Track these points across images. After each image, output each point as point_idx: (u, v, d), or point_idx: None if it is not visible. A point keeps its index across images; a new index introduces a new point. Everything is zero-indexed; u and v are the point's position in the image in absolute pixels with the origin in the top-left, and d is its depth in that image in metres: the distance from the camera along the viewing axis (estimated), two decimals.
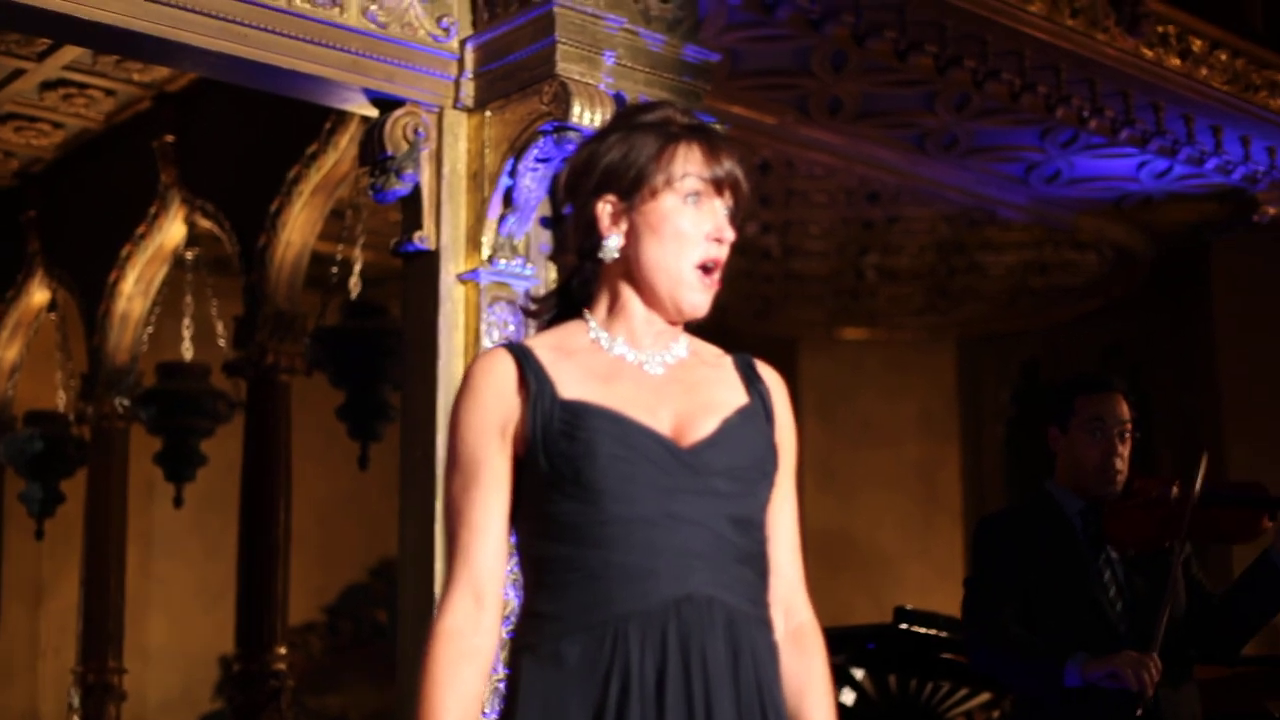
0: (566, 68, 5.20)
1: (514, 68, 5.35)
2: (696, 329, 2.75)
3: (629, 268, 2.66)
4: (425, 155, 5.42)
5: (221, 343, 8.50)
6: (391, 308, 7.49)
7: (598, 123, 5.03)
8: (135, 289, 8.52)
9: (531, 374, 2.58)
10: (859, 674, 6.65)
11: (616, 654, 2.46)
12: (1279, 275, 9.97)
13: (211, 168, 8.13)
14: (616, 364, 2.64)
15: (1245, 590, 4.55)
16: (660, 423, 2.57)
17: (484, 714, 4.48)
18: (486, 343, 5.20)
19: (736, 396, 2.68)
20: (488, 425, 2.59)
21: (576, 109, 5.10)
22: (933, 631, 6.43)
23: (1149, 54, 7.83)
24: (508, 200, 5.34)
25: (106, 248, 8.54)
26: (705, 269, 2.65)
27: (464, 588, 2.56)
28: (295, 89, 5.52)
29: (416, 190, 5.42)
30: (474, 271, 5.33)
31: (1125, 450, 4.61)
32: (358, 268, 7.90)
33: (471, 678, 2.53)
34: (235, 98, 7.30)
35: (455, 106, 5.48)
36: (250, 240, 7.75)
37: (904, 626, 6.43)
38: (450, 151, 5.45)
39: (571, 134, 5.10)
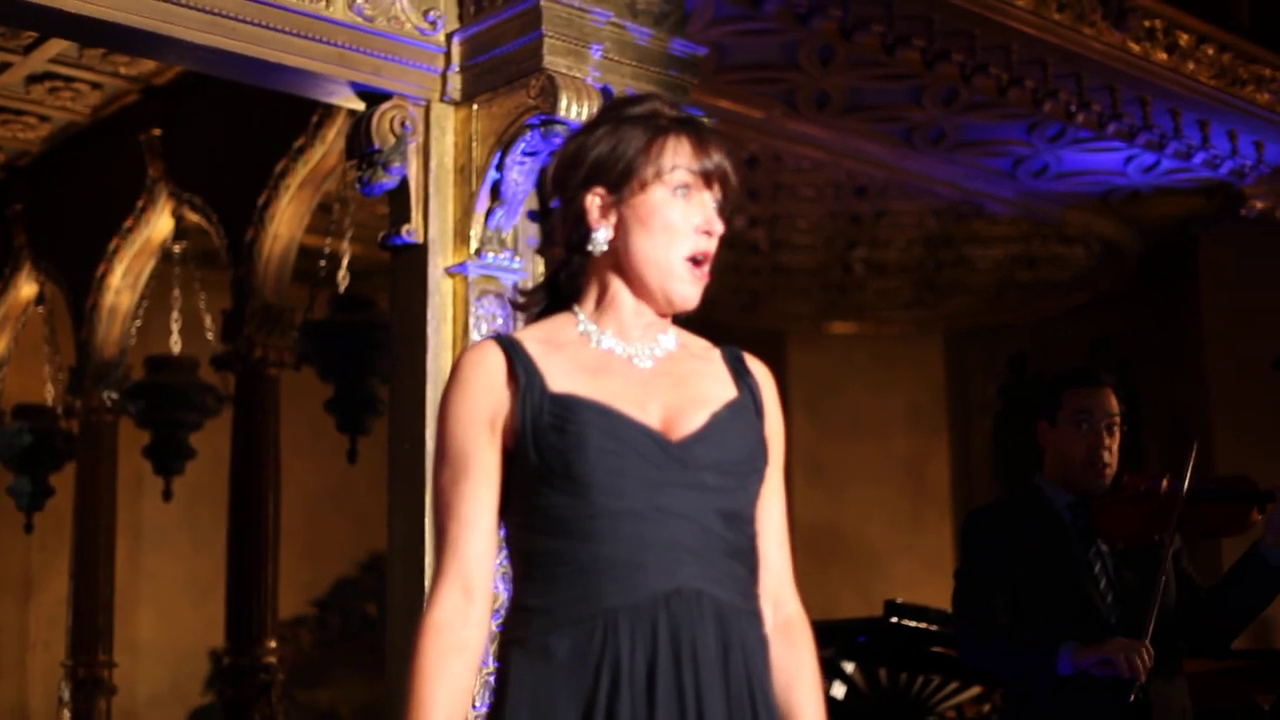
0: (553, 61, 5.19)
1: (501, 61, 5.34)
2: (684, 322, 2.75)
3: (617, 260, 2.66)
4: (412, 149, 5.41)
5: (210, 336, 8.49)
6: (379, 301, 7.48)
7: (585, 116, 5.02)
8: (123, 282, 8.51)
9: (521, 367, 2.58)
10: (849, 667, 6.67)
11: (607, 648, 2.46)
12: (1266, 269, 9.98)
13: (199, 161, 8.12)
14: (605, 357, 2.64)
15: (1234, 584, 4.56)
16: (649, 416, 2.57)
17: (474, 707, 4.49)
18: (475, 336, 5.20)
19: (725, 390, 2.68)
20: (477, 418, 2.59)
21: (564, 103, 5.09)
22: (922, 625, 6.44)
23: (1136, 48, 7.83)
24: (495, 194, 5.34)
25: (94, 241, 8.53)
26: (695, 261, 2.65)
27: (453, 581, 2.56)
28: (282, 82, 5.51)
29: (404, 184, 5.42)
30: (462, 265, 5.32)
31: (1113, 444, 4.62)
32: (345, 261, 7.89)
33: (460, 671, 2.53)
34: (222, 91, 7.30)
35: (442, 100, 5.47)
36: (238, 234, 7.74)
37: (894, 620, 6.45)
38: (437, 145, 5.45)
39: (559, 127, 5.09)
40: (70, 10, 4.83)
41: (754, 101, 8.09)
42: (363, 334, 7.64)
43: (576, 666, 2.47)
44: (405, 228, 5.38)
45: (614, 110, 2.74)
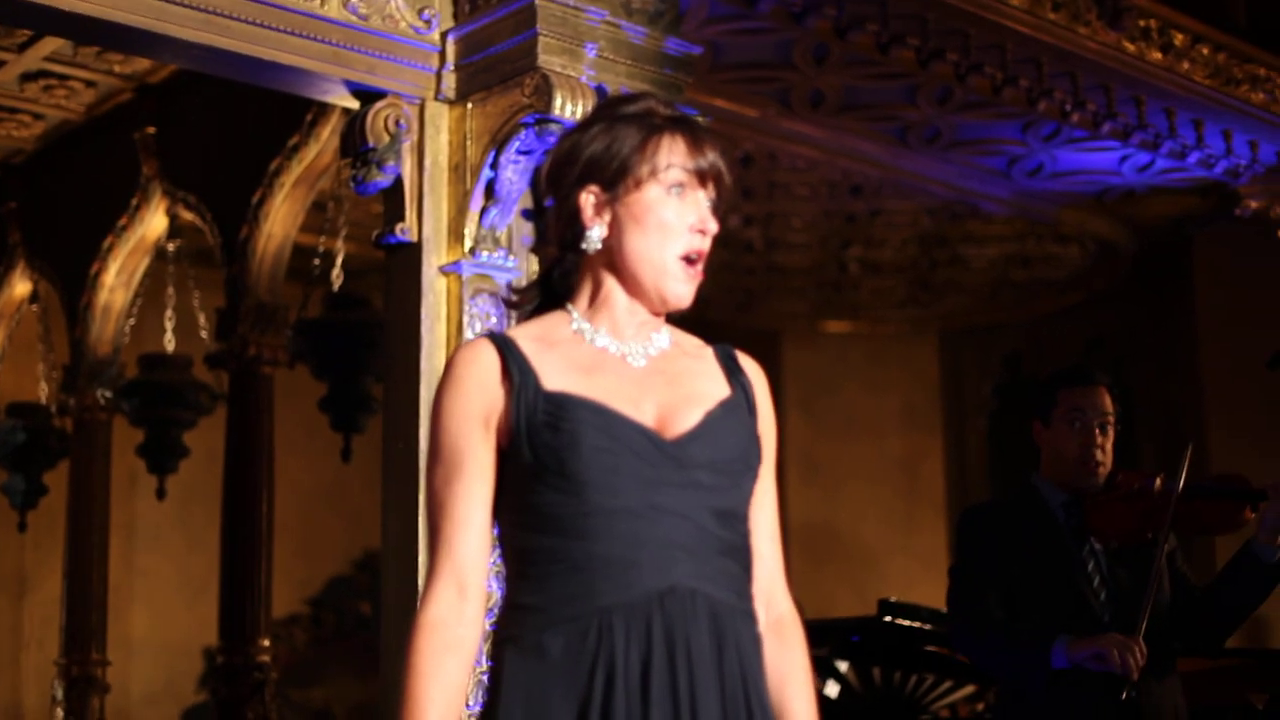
0: (548, 60, 5.19)
1: (495, 60, 5.35)
2: (678, 320, 2.75)
3: (611, 259, 2.66)
4: (407, 147, 5.42)
5: (203, 334, 8.48)
6: (373, 300, 7.49)
7: (579, 115, 5.02)
8: (117, 281, 8.50)
9: (515, 365, 2.58)
10: (843, 666, 6.66)
11: (601, 646, 2.46)
12: (1261, 269, 9.97)
13: (193, 159, 8.11)
14: (599, 355, 2.64)
15: (1228, 582, 4.56)
16: (644, 415, 2.58)
17: (468, 706, 4.49)
18: (469, 334, 5.20)
19: (719, 388, 2.68)
20: (470, 416, 2.59)
21: (558, 101, 5.09)
22: (916, 624, 6.44)
23: (1131, 48, 7.83)
24: (489, 192, 5.34)
25: (88, 239, 8.52)
26: (689, 260, 2.65)
27: (447, 579, 2.56)
28: (276, 81, 5.51)
29: (398, 182, 5.42)
30: (456, 263, 5.33)
31: (1106, 442, 4.63)
32: (340, 260, 7.89)
33: (455, 669, 2.52)
34: (216, 89, 7.29)
35: (437, 98, 5.48)
36: (232, 232, 7.73)
37: (888, 619, 6.44)
38: (432, 143, 5.45)
39: (553, 126, 5.09)
40: (65, 8, 4.83)
41: (749, 100, 8.09)
42: (357, 332, 7.64)
43: (571, 665, 2.47)
44: (400, 226, 5.39)
45: (608, 109, 2.74)
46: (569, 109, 5.09)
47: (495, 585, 4.08)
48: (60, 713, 8.46)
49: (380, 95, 5.41)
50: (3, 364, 9.51)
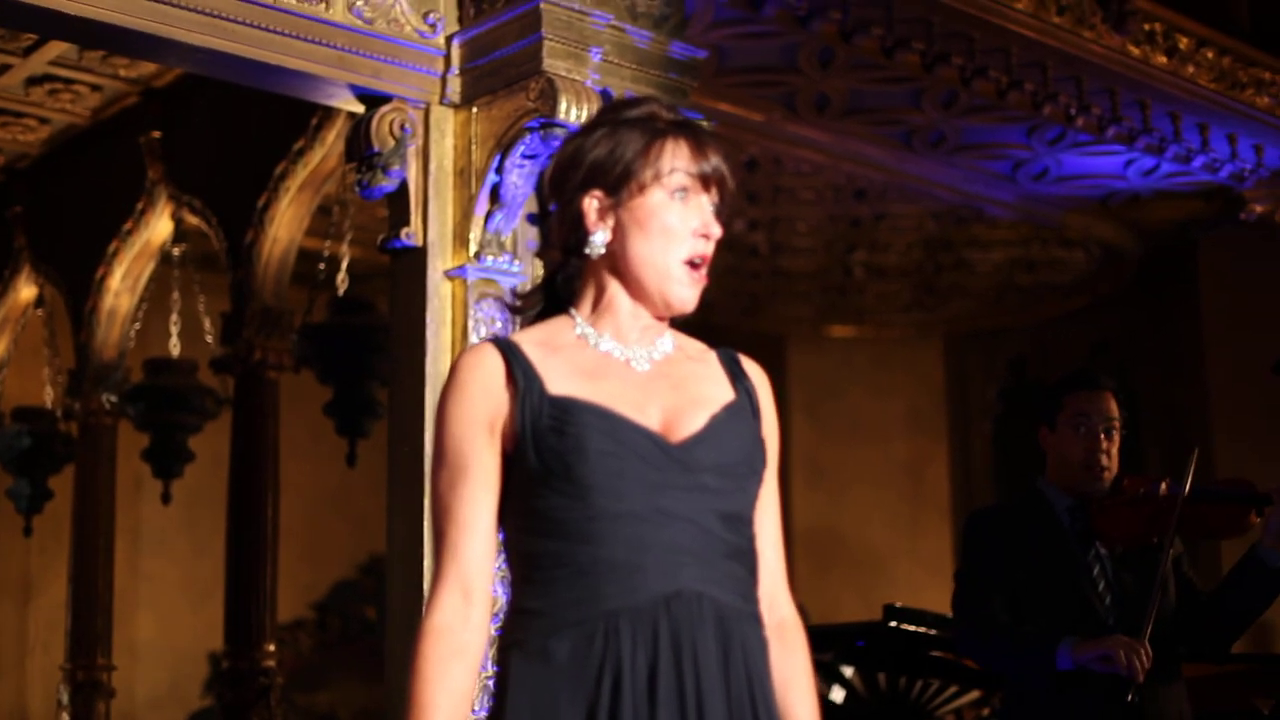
0: (553, 64, 5.19)
1: (500, 64, 5.34)
2: (684, 325, 2.75)
3: (615, 263, 2.66)
4: (412, 151, 5.42)
5: (209, 339, 8.48)
6: (379, 304, 7.48)
7: (584, 119, 5.02)
8: (122, 285, 8.50)
9: (519, 369, 2.58)
10: (848, 672, 6.66)
11: (608, 650, 2.46)
12: (1266, 272, 9.97)
13: (198, 164, 8.12)
14: (603, 360, 2.64)
15: (1233, 586, 4.56)
16: (649, 419, 2.57)
17: (474, 712, 4.49)
18: (474, 339, 5.19)
19: (723, 392, 2.68)
20: (475, 421, 2.58)
21: (563, 105, 5.09)
22: (922, 629, 6.43)
23: (1136, 52, 7.84)
24: (494, 197, 5.34)
25: (93, 244, 8.52)
26: (692, 265, 2.65)
27: (452, 584, 2.55)
28: (282, 85, 5.51)
29: (403, 186, 5.42)
30: (461, 268, 5.33)
31: (1112, 447, 4.63)
32: (345, 264, 7.89)
33: (461, 674, 2.52)
34: (222, 93, 7.30)
35: (442, 103, 5.47)
36: (237, 236, 7.74)
37: (893, 624, 6.44)
38: (437, 148, 5.45)
39: (558, 130, 5.09)
40: (70, 12, 4.83)
41: (753, 104, 8.09)
42: (362, 337, 7.64)
43: (577, 669, 2.46)
44: (404, 231, 5.38)
45: (611, 113, 2.74)
46: (574, 113, 5.09)
47: (500, 590, 4.08)
48: (66, 717, 8.45)
49: (385, 99, 5.41)
50: (8, 368, 9.51)
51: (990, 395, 12.48)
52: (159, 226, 8.33)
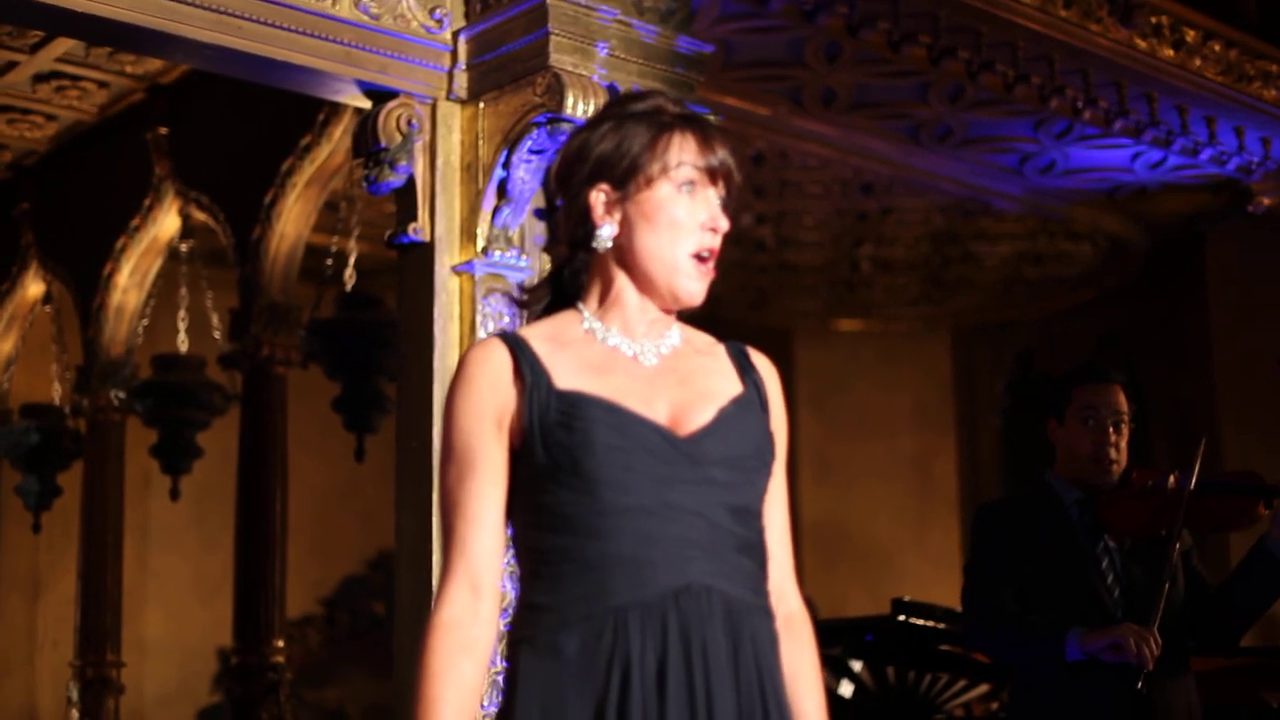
0: (560, 59, 5.19)
1: (507, 59, 5.35)
2: (690, 319, 2.75)
3: (622, 257, 2.66)
4: (419, 147, 5.42)
5: (217, 335, 8.49)
6: (386, 299, 7.50)
7: (591, 114, 5.01)
8: (130, 281, 8.51)
9: (527, 364, 2.58)
10: (857, 666, 6.66)
11: (617, 645, 2.46)
12: (1273, 265, 9.97)
13: (205, 160, 8.13)
14: (611, 355, 2.64)
15: (1242, 579, 4.57)
16: (657, 413, 2.57)
17: (483, 706, 4.49)
18: (482, 334, 5.19)
19: (731, 385, 2.68)
20: (483, 415, 2.58)
21: (570, 100, 5.09)
22: (930, 623, 6.44)
23: (1142, 45, 7.83)
24: (502, 192, 5.34)
25: (101, 240, 8.53)
26: (700, 258, 2.65)
27: (461, 579, 2.56)
28: (288, 81, 5.51)
29: (410, 182, 5.42)
30: (469, 263, 5.33)
31: (1121, 440, 4.63)
32: (352, 259, 7.90)
33: (469, 669, 2.52)
34: (229, 90, 7.30)
35: (449, 98, 5.48)
36: (245, 232, 7.75)
37: (901, 618, 6.44)
38: (444, 143, 5.45)
39: (565, 125, 5.09)
40: (77, 9, 4.83)
41: (760, 99, 8.09)
42: (370, 332, 7.65)
43: (586, 664, 2.46)
44: (412, 226, 5.39)
45: (617, 107, 2.74)
46: (581, 108, 5.09)
47: (509, 585, 4.08)
48: (75, 714, 8.47)
49: (392, 95, 5.41)
50: (16, 365, 9.53)
51: (998, 389, 12.46)
52: (166, 223, 8.35)
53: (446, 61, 5.48)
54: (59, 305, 9.28)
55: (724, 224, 2.67)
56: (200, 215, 8.16)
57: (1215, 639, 4.71)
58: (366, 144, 5.42)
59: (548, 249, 2.76)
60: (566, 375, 2.58)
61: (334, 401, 7.85)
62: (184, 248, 8.54)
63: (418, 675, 2.51)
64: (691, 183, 2.64)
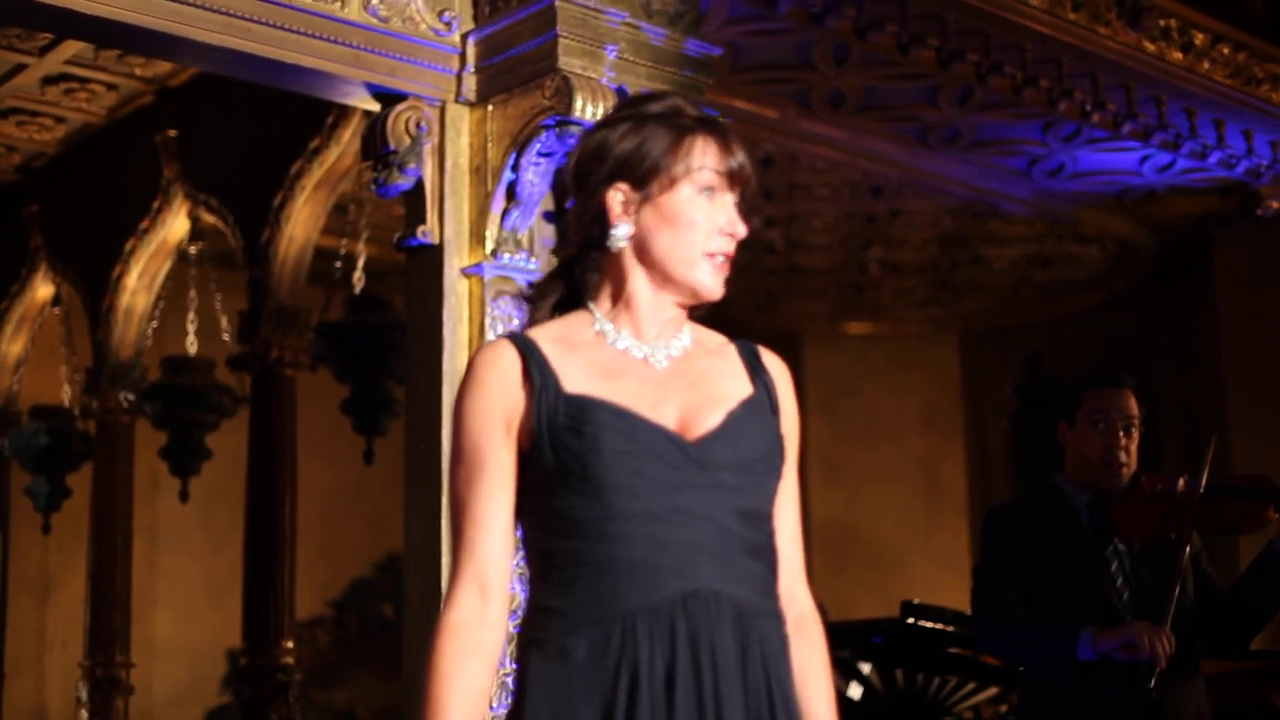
0: (568, 62, 5.20)
1: (516, 62, 5.35)
2: (700, 320, 2.75)
3: (637, 258, 2.65)
4: (428, 149, 5.43)
5: (226, 337, 8.51)
6: (395, 302, 7.50)
7: (599, 117, 5.02)
8: (139, 283, 8.53)
9: (535, 367, 2.57)
10: (866, 668, 6.66)
11: (625, 649, 2.45)
12: None
13: (214, 162, 8.14)
14: (621, 358, 2.63)
15: (1252, 581, 4.58)
16: (665, 418, 2.57)
17: (492, 709, 4.49)
18: (490, 336, 5.20)
19: (741, 387, 2.67)
20: (492, 417, 2.58)
21: (579, 103, 5.10)
22: (939, 625, 6.44)
23: (1151, 48, 7.82)
24: (511, 194, 5.35)
25: (110, 242, 8.55)
26: (715, 259, 2.65)
27: (469, 581, 2.55)
28: (297, 83, 5.52)
29: (419, 185, 5.43)
30: (478, 266, 5.34)
31: (1131, 444, 4.63)
32: (361, 262, 7.92)
33: (477, 671, 2.52)
34: (237, 92, 7.31)
35: (457, 101, 5.48)
36: (254, 235, 7.76)
37: (910, 621, 6.44)
38: (453, 146, 5.46)
39: (574, 128, 5.10)
40: (86, 12, 4.85)
41: (769, 101, 8.08)
42: (378, 335, 7.66)
43: (595, 668, 2.46)
44: (421, 229, 5.40)
45: (634, 107, 2.72)
46: (589, 111, 5.10)
47: (518, 588, 4.09)
48: (84, 714, 8.49)
49: (401, 98, 5.42)
50: (26, 367, 9.54)
51: (1006, 392, 12.44)
52: (175, 225, 8.36)
53: (455, 64, 5.49)
54: (68, 307, 9.29)
55: (742, 230, 2.66)
56: (209, 218, 8.17)
57: (1225, 642, 4.72)
58: (375, 147, 5.43)
59: (558, 252, 2.75)
60: (576, 379, 2.57)
61: (343, 404, 7.86)
62: (193, 250, 8.56)
63: (425, 677, 2.51)
64: (711, 187, 2.63)
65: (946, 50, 7.31)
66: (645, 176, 2.62)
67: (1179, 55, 7.94)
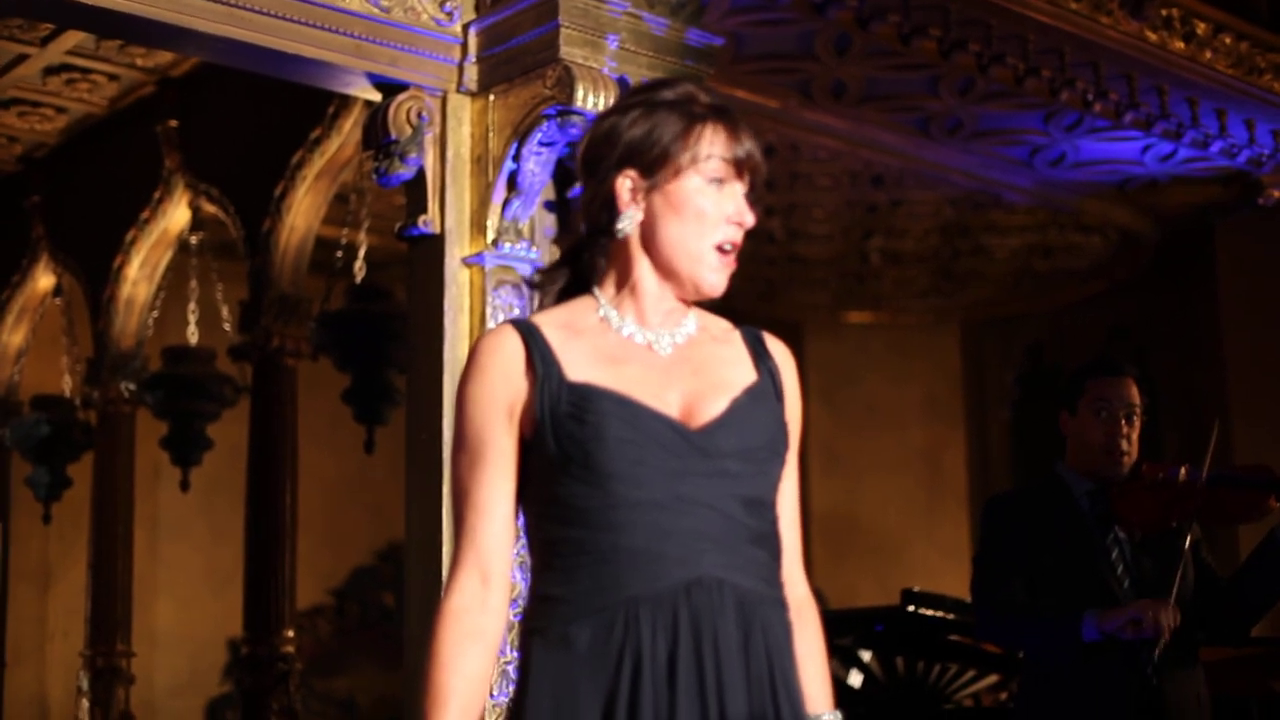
0: (570, 52, 5.20)
1: (517, 52, 5.35)
2: (705, 306, 2.74)
3: (644, 244, 2.64)
4: (429, 139, 5.43)
5: (227, 327, 8.51)
6: (396, 291, 7.50)
7: (601, 107, 5.03)
8: (140, 274, 8.54)
9: (538, 354, 2.57)
10: (866, 656, 6.67)
11: (628, 637, 2.45)
12: None
13: (215, 152, 8.14)
14: (625, 345, 2.63)
15: (1252, 570, 4.57)
16: (669, 406, 2.56)
17: (493, 696, 4.50)
18: (491, 326, 5.20)
19: (745, 374, 2.67)
20: (494, 404, 2.58)
21: (580, 93, 5.10)
22: (940, 614, 6.44)
23: (1153, 37, 7.82)
24: (512, 184, 5.34)
25: (111, 232, 8.56)
26: (722, 250, 2.64)
27: (470, 568, 2.55)
28: (298, 73, 5.52)
29: (420, 174, 5.43)
30: (479, 255, 5.33)
31: (1132, 433, 4.64)
32: (362, 252, 7.91)
33: (477, 657, 2.52)
34: (239, 82, 7.31)
35: (459, 90, 5.48)
36: (255, 225, 7.76)
37: (911, 609, 6.44)
38: (454, 135, 5.46)
39: (575, 118, 5.10)
40: (87, 2, 4.85)
41: (770, 91, 8.09)
42: (380, 324, 7.66)
43: (597, 656, 2.46)
44: (422, 218, 5.40)
45: (646, 93, 2.71)
46: (591, 101, 5.10)
47: (519, 576, 4.09)
48: (86, 704, 8.50)
49: (402, 87, 5.42)
50: (27, 357, 9.55)
51: (1007, 381, 12.45)
52: (176, 215, 8.37)
53: (457, 54, 5.49)
54: (69, 298, 9.30)
55: (750, 219, 2.65)
56: (210, 208, 8.18)
57: (1225, 631, 4.72)
58: (377, 136, 5.43)
59: (560, 241, 2.74)
60: (579, 366, 2.57)
61: (344, 393, 7.86)
62: (194, 240, 8.57)
63: (426, 663, 2.51)
64: (720, 178, 2.63)
65: (948, 40, 7.32)
66: (654, 164, 2.61)
67: (1181, 45, 7.94)
